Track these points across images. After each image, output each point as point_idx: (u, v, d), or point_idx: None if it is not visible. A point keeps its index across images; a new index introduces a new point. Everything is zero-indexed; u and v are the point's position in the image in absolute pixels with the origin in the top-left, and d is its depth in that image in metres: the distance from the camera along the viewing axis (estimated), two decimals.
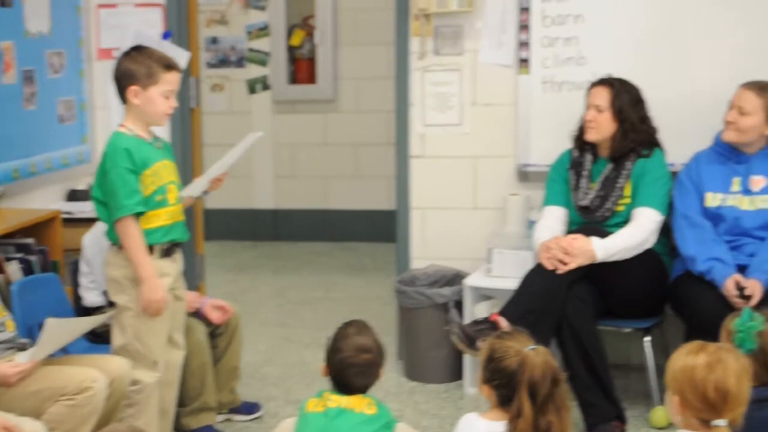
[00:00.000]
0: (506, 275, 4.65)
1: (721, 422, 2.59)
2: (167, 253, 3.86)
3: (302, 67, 8.59)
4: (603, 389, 4.26)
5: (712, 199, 4.40)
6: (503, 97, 5.10)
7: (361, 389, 3.14)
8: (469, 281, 4.84)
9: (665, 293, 4.50)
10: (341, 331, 3.20)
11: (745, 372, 2.65)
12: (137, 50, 3.83)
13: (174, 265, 3.91)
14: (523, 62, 5.03)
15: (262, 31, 8.49)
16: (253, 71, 8.55)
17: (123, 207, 3.70)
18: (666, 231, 4.50)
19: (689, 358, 2.66)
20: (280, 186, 8.68)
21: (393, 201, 5.46)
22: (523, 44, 5.02)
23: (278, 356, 5.52)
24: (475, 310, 4.78)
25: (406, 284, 5.05)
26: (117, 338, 3.85)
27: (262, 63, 8.52)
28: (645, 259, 4.38)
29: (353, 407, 3.08)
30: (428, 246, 5.30)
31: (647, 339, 4.49)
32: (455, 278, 5.04)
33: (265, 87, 8.54)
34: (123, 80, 3.79)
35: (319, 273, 7.58)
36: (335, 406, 3.08)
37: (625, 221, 4.44)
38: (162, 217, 3.82)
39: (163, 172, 3.82)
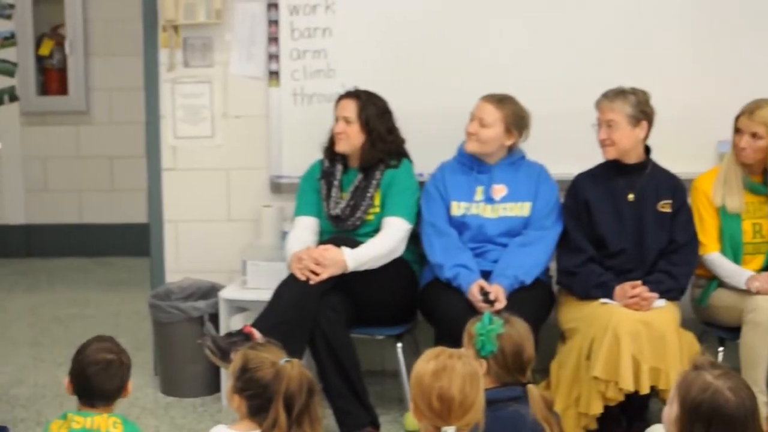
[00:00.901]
0: (261, 287, 4.65)
1: (449, 429, 2.63)
2: None
3: (52, 78, 8.33)
4: (357, 396, 4.32)
5: (457, 208, 4.54)
6: (255, 109, 5.11)
7: (106, 395, 3.05)
8: (224, 294, 4.81)
9: (416, 300, 4.61)
10: (83, 344, 3.14)
11: (473, 378, 2.67)
12: None
13: None
14: (274, 74, 5.05)
15: (8, 40, 8.18)
16: (0, 82, 8.22)
17: None
18: (415, 239, 4.61)
19: (421, 365, 2.70)
20: (31, 200, 8.37)
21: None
22: (273, 57, 5.04)
23: (29, 376, 5.32)
24: (231, 323, 4.76)
25: (161, 298, 4.98)
26: None
27: (10, 73, 8.20)
28: (395, 267, 4.48)
29: (98, 427, 3.01)
30: (183, 259, 5.25)
31: (399, 345, 4.59)
32: (211, 291, 5.00)
33: (13, 98, 8.22)
34: None
35: (73, 289, 7.35)
36: (79, 428, 3.00)
37: (375, 230, 4.52)
38: None
39: None
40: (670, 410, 2.52)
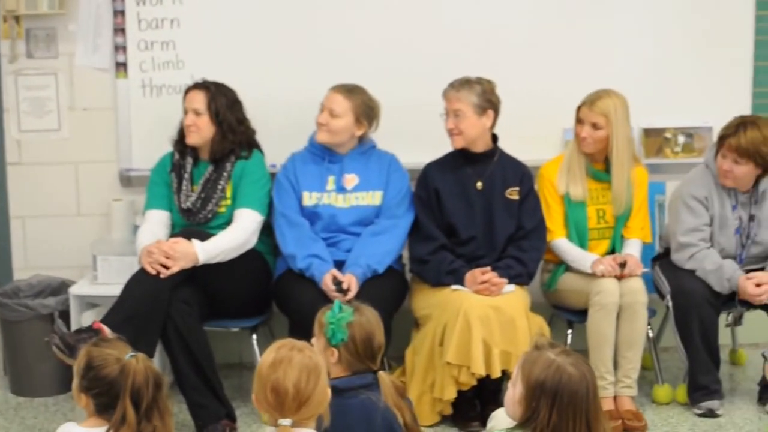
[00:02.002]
0: (113, 282, 4.57)
1: (285, 422, 2.62)
2: None
3: None
4: (211, 389, 4.29)
5: (309, 198, 4.55)
6: (102, 101, 5.02)
7: None
8: (75, 290, 4.73)
9: (270, 291, 4.61)
10: None
11: (311, 372, 2.66)
12: None
13: None
14: (121, 66, 4.98)
15: None
16: None
17: None
18: (268, 230, 4.60)
19: (264, 356, 2.70)
20: None
21: None
22: (120, 48, 4.96)
23: None
24: (82, 319, 4.67)
25: (8, 296, 4.85)
26: None
27: None
28: (248, 259, 4.46)
29: None
30: (31, 256, 5.14)
31: (254, 337, 4.58)
32: (61, 287, 4.90)
33: None
34: None
35: None
36: None
37: (227, 222, 4.49)
38: None
39: None
40: (514, 391, 2.60)
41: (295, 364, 2.65)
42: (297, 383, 2.63)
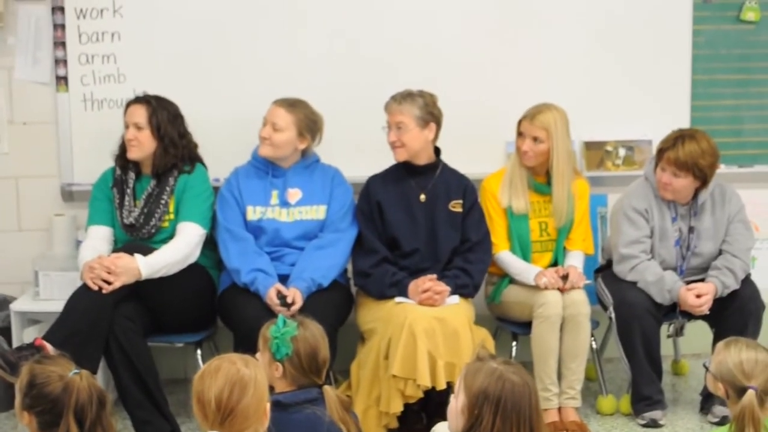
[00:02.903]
0: (54, 298, 4.54)
1: None
2: None
3: None
4: (156, 405, 4.26)
5: (253, 213, 4.54)
6: (43, 115, 4.99)
7: None
8: (16, 306, 4.68)
9: (214, 306, 4.59)
10: None
11: (236, 385, 2.65)
12: None
13: None
14: (61, 80, 4.94)
15: None
16: None
17: None
18: (213, 245, 4.59)
19: (204, 369, 2.71)
20: None
21: None
22: (60, 61, 4.93)
23: None
24: (24, 336, 4.62)
25: None
26: None
27: None
28: (191, 273, 4.44)
29: None
30: None
31: (199, 352, 4.55)
32: (2, 303, 4.84)
33: None
34: None
35: None
36: None
37: (170, 237, 4.47)
38: None
39: None
40: (456, 402, 2.62)
41: (221, 376, 2.66)
42: (219, 395, 2.63)
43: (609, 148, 5.27)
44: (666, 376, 4.84)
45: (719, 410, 4.51)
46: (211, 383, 2.64)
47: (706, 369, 3.20)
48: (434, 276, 4.40)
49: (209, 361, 2.74)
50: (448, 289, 4.38)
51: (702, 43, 5.29)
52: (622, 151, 5.29)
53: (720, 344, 3.19)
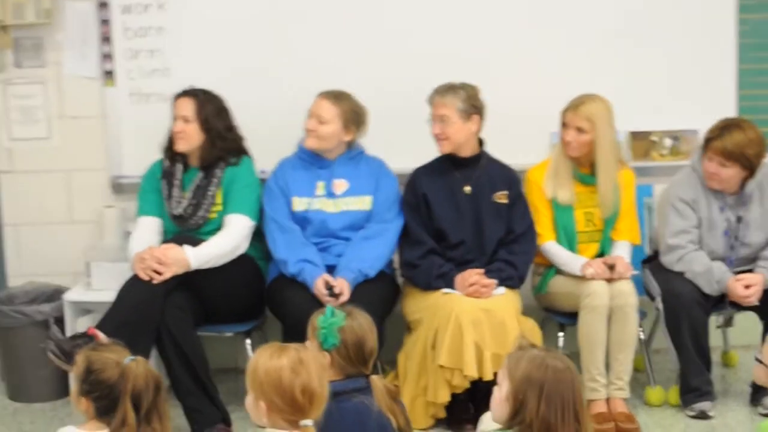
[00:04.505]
0: (106, 288, 4.58)
1: (308, 422, 2.67)
2: None
3: None
4: (206, 394, 4.31)
5: (299, 204, 4.57)
6: (91, 109, 5.06)
7: None
8: (69, 296, 4.75)
9: (263, 296, 4.62)
10: None
11: (324, 370, 2.77)
12: None
13: None
14: (108, 74, 5.01)
15: None
16: None
17: None
18: (260, 236, 4.62)
19: (272, 362, 2.70)
20: None
21: None
22: (107, 56, 5.00)
23: None
24: (77, 325, 4.69)
25: (4, 303, 4.87)
26: None
27: None
28: (240, 264, 4.48)
29: None
30: (25, 263, 5.17)
31: (248, 341, 4.59)
32: (55, 294, 4.92)
33: None
34: None
35: None
36: None
37: (218, 228, 4.51)
38: None
39: None
40: (500, 391, 2.64)
41: (312, 366, 2.71)
42: (320, 382, 2.70)
43: (655, 138, 5.25)
44: (715, 368, 4.81)
45: None
46: (310, 373, 2.68)
47: (760, 362, 3.18)
48: (481, 270, 4.40)
49: (267, 355, 2.73)
50: (494, 282, 4.38)
51: (748, 31, 5.24)
52: (668, 141, 5.26)
53: None
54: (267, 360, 2.73)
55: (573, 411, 2.57)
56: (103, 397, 2.81)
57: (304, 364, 2.70)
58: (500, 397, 2.63)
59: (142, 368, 2.82)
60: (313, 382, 2.68)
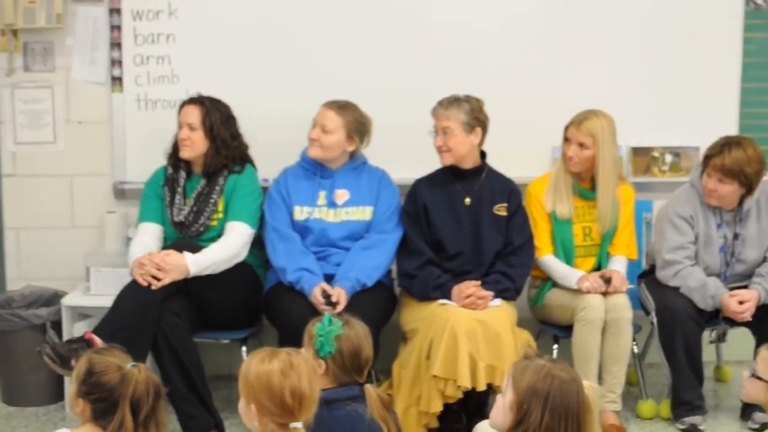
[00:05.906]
0: (105, 293, 4.61)
1: (298, 424, 2.70)
2: None
3: None
4: (201, 400, 4.33)
5: (300, 213, 4.60)
6: (98, 114, 5.09)
7: None
8: (67, 301, 4.77)
9: (260, 304, 4.65)
10: None
11: (315, 373, 2.79)
12: None
13: None
14: (116, 80, 5.05)
15: None
16: None
17: None
18: (260, 244, 4.65)
19: (263, 366, 2.74)
20: None
21: None
22: (116, 62, 5.03)
23: None
24: (74, 330, 4.71)
25: (2, 307, 4.88)
26: None
27: None
28: (239, 271, 4.51)
29: None
30: (25, 267, 5.20)
31: (244, 349, 4.62)
32: (54, 298, 4.94)
33: None
34: None
35: None
36: None
37: (219, 236, 4.54)
38: None
39: None
40: (504, 399, 2.65)
41: (303, 369, 2.74)
42: (310, 385, 2.73)
43: (656, 154, 5.28)
44: (708, 382, 4.85)
45: (759, 417, 4.53)
46: (300, 376, 2.71)
47: (759, 378, 3.21)
48: (478, 282, 4.43)
49: (258, 360, 2.77)
50: (490, 294, 4.41)
51: (753, 50, 5.28)
52: (668, 158, 5.29)
53: (763, 348, 3.22)
54: (258, 364, 2.76)
55: (576, 423, 2.57)
56: (102, 399, 2.82)
57: (294, 368, 2.73)
58: (504, 406, 2.64)
59: (143, 375, 2.83)
60: (302, 385, 2.71)
